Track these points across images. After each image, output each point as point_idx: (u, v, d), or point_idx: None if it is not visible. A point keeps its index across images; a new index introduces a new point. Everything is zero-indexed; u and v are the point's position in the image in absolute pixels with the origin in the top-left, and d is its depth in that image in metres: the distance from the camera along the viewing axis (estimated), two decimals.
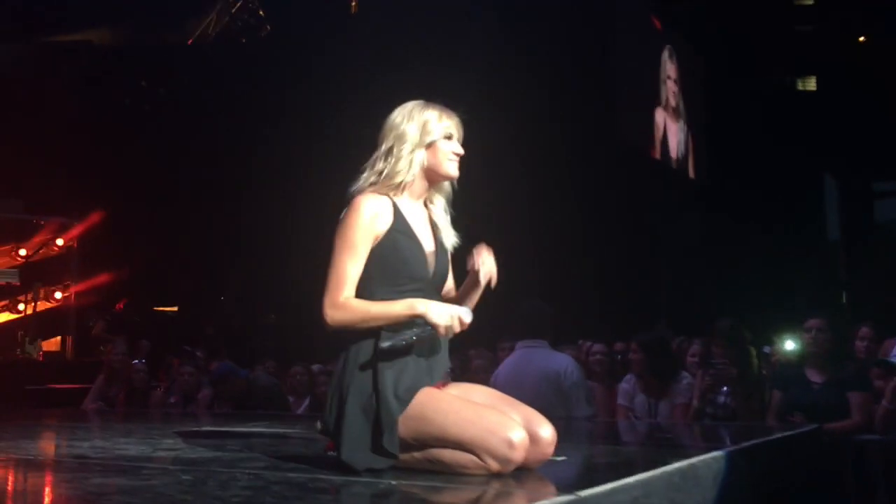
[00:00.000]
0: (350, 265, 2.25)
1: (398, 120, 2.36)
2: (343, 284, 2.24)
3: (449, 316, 2.20)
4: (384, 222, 2.28)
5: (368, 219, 2.26)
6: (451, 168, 2.37)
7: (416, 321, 2.21)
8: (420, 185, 2.37)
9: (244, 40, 9.82)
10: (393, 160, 2.33)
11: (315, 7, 9.53)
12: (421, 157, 2.34)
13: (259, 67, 9.89)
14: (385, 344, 2.20)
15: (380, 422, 2.17)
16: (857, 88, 13.40)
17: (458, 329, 2.23)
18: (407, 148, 2.32)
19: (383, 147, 2.35)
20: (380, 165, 2.34)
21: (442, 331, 2.21)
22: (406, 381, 2.21)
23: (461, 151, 2.38)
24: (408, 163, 2.32)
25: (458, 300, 2.39)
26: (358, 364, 2.24)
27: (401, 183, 2.33)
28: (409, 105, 2.39)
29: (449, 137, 2.36)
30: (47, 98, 9.77)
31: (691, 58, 13.23)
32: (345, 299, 2.23)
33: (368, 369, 2.22)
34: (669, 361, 4.78)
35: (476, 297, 2.40)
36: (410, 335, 2.20)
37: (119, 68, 10.26)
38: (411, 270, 2.28)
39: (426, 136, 2.34)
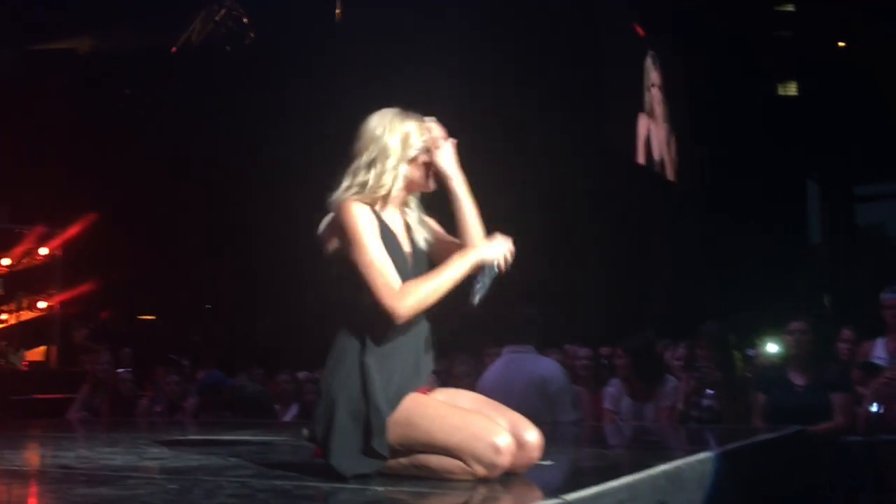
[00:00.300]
0: (381, 255, 2.23)
1: (378, 132, 2.34)
2: (389, 273, 2.22)
3: (500, 250, 2.28)
4: (377, 238, 2.28)
5: (367, 218, 2.26)
6: (432, 183, 2.39)
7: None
8: (400, 195, 2.38)
9: (228, 48, 9.80)
10: (376, 173, 2.32)
11: (303, 13, 9.53)
12: (405, 171, 2.34)
13: (247, 76, 9.88)
14: (477, 298, 2.26)
15: (369, 424, 2.17)
16: (838, 93, 13.53)
17: (510, 251, 2.29)
18: (391, 162, 2.32)
19: (364, 158, 2.34)
20: (362, 177, 2.33)
21: (502, 264, 2.28)
22: (395, 383, 2.22)
23: (441, 164, 2.36)
24: (392, 177, 2.32)
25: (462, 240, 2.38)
26: (345, 370, 2.24)
27: (386, 196, 2.33)
28: (387, 115, 2.38)
29: (428, 149, 2.36)
30: (33, 106, 9.70)
31: (673, 64, 13.33)
32: (401, 286, 2.21)
33: (356, 374, 2.22)
34: (655, 365, 4.81)
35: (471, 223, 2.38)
36: (485, 281, 2.25)
37: (105, 76, 10.21)
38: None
39: (408, 150, 2.34)
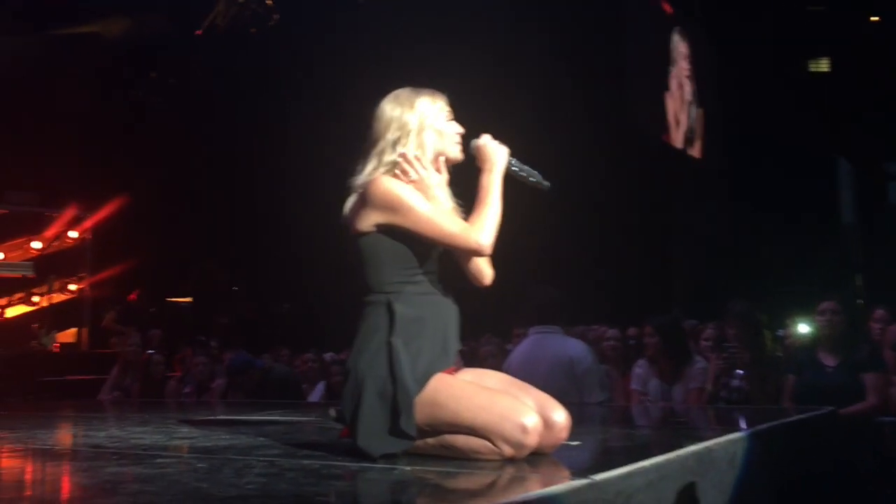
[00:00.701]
0: (433, 209, 2.26)
1: (397, 112, 2.34)
2: (451, 219, 2.26)
3: (500, 150, 2.34)
4: (422, 196, 2.28)
5: (403, 184, 2.27)
6: (457, 151, 2.38)
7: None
8: (433, 170, 2.37)
9: (253, 31, 9.80)
10: (400, 151, 2.31)
11: None
12: (431, 139, 2.34)
13: (269, 55, 9.89)
14: (540, 178, 2.39)
15: (397, 404, 2.16)
16: (870, 69, 13.26)
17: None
18: (413, 136, 2.32)
19: (389, 137, 2.33)
20: (389, 157, 2.32)
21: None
22: (423, 363, 2.21)
23: (462, 130, 2.39)
24: (420, 152, 2.32)
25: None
26: (373, 350, 2.23)
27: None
28: (402, 93, 2.38)
29: (450, 119, 2.38)
30: (59, 91, 9.80)
31: (702, 41, 13.13)
32: (468, 225, 2.25)
33: (384, 354, 2.21)
34: (683, 345, 4.76)
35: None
36: (525, 170, 2.39)
37: (129, 60, 10.27)
38: (420, 251, 2.28)
39: (428, 121, 2.34)
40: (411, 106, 2.34)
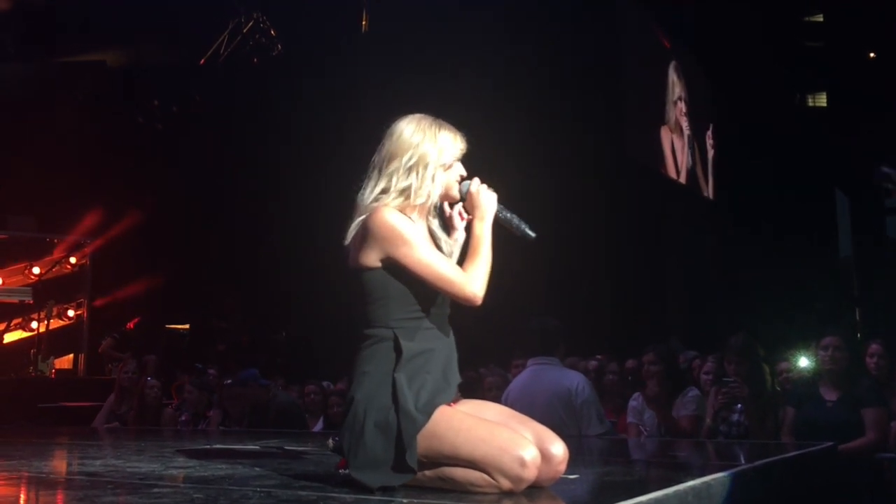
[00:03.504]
0: (433, 252, 2.27)
1: (417, 138, 2.32)
2: (450, 266, 2.27)
3: (488, 195, 2.35)
4: (426, 236, 2.31)
5: (407, 221, 2.27)
6: (458, 191, 2.39)
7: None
8: (431, 204, 2.38)
9: (256, 60, 9.89)
10: (418, 180, 2.30)
11: (327, 24, 9.60)
12: (442, 179, 2.35)
13: (272, 84, 9.96)
14: (527, 228, 2.39)
15: (401, 437, 2.15)
16: (868, 104, 13.37)
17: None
18: (430, 170, 2.31)
19: (403, 161, 2.30)
20: (401, 182, 2.30)
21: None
22: (425, 395, 2.20)
23: (464, 172, 2.40)
24: (432, 185, 2.32)
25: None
26: (374, 381, 2.23)
27: (423, 204, 2.33)
28: (424, 121, 2.36)
29: (457, 159, 2.39)
30: (60, 117, 9.84)
31: (699, 75, 13.25)
32: (464, 273, 2.26)
33: (386, 386, 2.20)
34: (678, 374, 4.79)
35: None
36: (513, 219, 2.40)
37: (132, 87, 10.34)
38: (427, 287, 2.28)
39: (444, 159, 2.34)
40: (434, 138, 2.33)
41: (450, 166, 2.36)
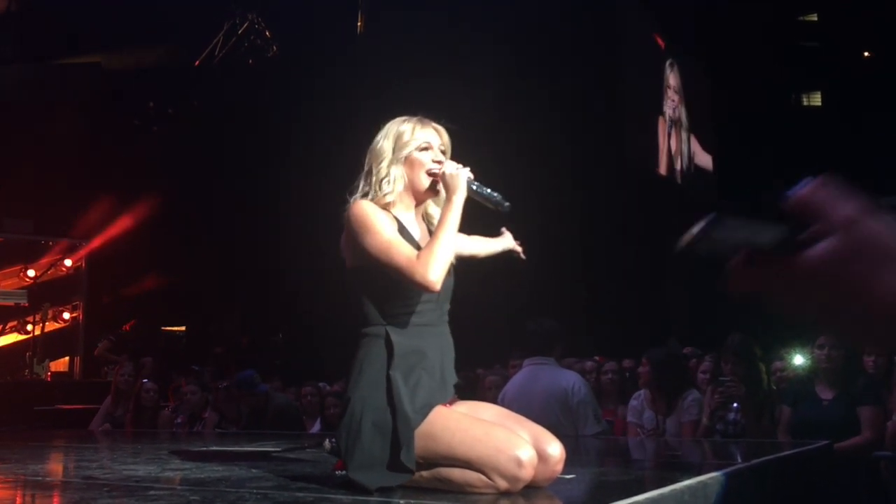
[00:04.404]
0: (396, 235, 2.22)
1: (379, 137, 2.37)
2: (409, 248, 2.20)
3: (460, 172, 2.26)
4: (392, 225, 2.28)
5: (375, 210, 2.26)
6: (426, 181, 2.34)
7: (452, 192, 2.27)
8: (407, 199, 2.37)
9: (251, 62, 9.89)
10: (374, 180, 2.33)
11: (323, 26, 9.61)
12: (398, 172, 2.33)
13: (267, 87, 9.96)
14: (500, 198, 2.30)
15: (397, 437, 2.15)
16: (863, 104, 13.41)
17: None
18: (384, 165, 2.33)
19: (370, 160, 2.37)
20: (363, 186, 2.35)
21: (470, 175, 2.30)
22: (421, 395, 2.20)
23: (440, 159, 2.36)
24: (388, 180, 2.32)
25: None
26: (370, 382, 2.23)
27: (387, 203, 2.32)
28: (392, 122, 2.40)
29: (426, 148, 2.35)
30: (56, 119, 9.84)
31: (695, 74, 13.27)
32: (417, 257, 2.18)
33: (382, 387, 2.21)
34: (678, 378, 4.76)
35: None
36: (487, 192, 2.30)
37: (128, 89, 10.34)
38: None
39: (401, 151, 2.33)
40: (388, 134, 2.36)
41: (408, 157, 2.33)
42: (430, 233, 2.38)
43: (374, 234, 2.21)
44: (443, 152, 2.40)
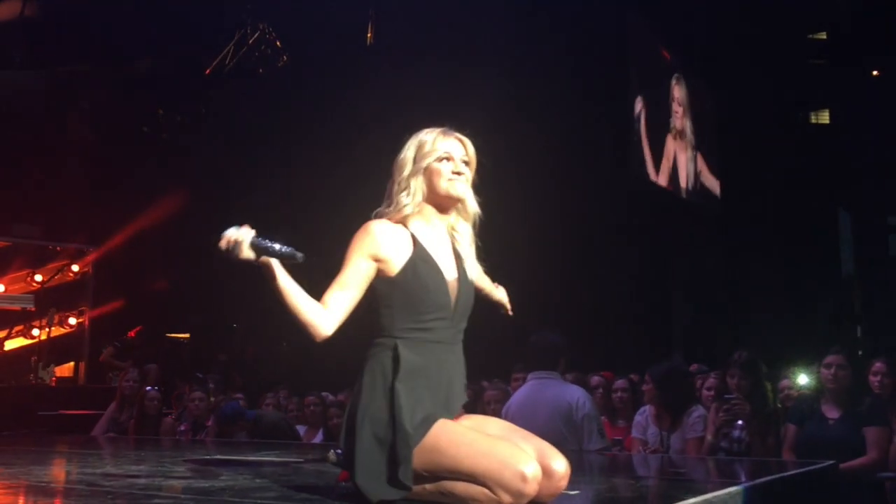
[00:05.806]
0: (346, 273, 2.26)
1: (400, 150, 2.37)
2: (333, 292, 2.25)
3: (229, 232, 2.26)
4: (399, 250, 2.27)
5: (372, 240, 2.26)
6: (451, 188, 2.33)
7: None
8: (430, 210, 2.36)
9: (261, 71, 9.93)
10: (395, 191, 2.34)
11: (333, 36, 9.65)
12: (418, 183, 2.33)
13: (277, 96, 9.99)
14: (289, 250, 2.23)
15: (396, 453, 2.15)
16: (871, 122, 13.39)
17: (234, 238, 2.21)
18: (405, 176, 2.33)
19: (394, 175, 2.37)
20: (386, 199, 2.36)
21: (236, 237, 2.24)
22: (422, 412, 2.19)
23: (461, 170, 2.34)
24: (408, 191, 2.32)
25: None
26: (373, 393, 2.22)
27: (408, 214, 2.32)
28: (416, 134, 2.40)
29: (447, 158, 2.34)
30: (65, 126, 9.88)
31: (702, 90, 13.27)
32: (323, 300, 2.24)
33: (385, 399, 2.20)
34: (682, 394, 4.74)
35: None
36: (273, 248, 2.24)
37: (137, 96, 10.38)
38: (433, 299, 2.26)
39: (422, 161, 2.33)
40: (410, 145, 2.36)
41: (428, 168, 2.32)
42: (455, 249, 2.38)
43: (344, 264, 2.26)
44: (466, 163, 2.37)
